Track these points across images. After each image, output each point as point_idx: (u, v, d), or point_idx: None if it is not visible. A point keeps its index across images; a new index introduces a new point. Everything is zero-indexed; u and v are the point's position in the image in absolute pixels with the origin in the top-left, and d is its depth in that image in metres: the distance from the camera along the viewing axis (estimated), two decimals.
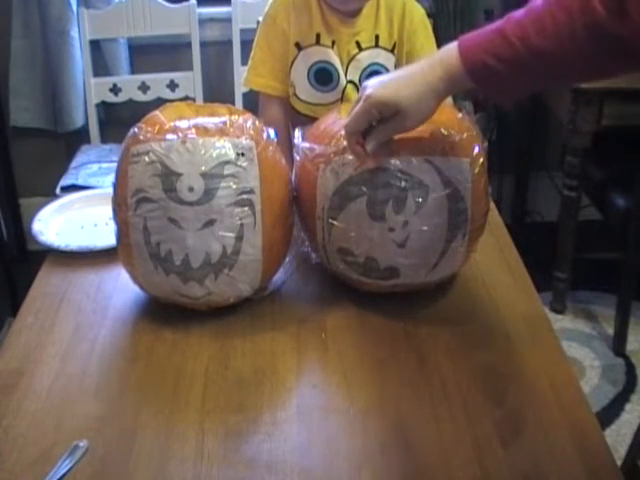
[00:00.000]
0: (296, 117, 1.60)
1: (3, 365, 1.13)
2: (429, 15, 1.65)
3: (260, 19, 1.77)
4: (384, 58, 1.56)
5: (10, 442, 0.98)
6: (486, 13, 2.75)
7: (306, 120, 1.53)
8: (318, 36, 1.55)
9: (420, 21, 1.57)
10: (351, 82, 1.56)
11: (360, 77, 1.56)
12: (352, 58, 1.55)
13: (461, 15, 2.66)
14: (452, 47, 1.04)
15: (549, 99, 2.50)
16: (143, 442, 0.98)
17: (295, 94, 1.60)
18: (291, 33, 1.55)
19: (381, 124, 1.09)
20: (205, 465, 0.94)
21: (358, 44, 1.54)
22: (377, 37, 1.55)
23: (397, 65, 1.57)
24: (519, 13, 1.00)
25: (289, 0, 1.55)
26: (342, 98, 1.57)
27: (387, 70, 1.56)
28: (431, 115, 1.09)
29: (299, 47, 1.56)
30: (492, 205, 1.33)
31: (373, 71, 1.56)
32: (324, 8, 1.54)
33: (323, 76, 1.57)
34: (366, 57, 1.55)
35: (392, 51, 1.56)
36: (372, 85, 1.08)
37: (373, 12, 1.54)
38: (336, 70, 1.55)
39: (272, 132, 1.21)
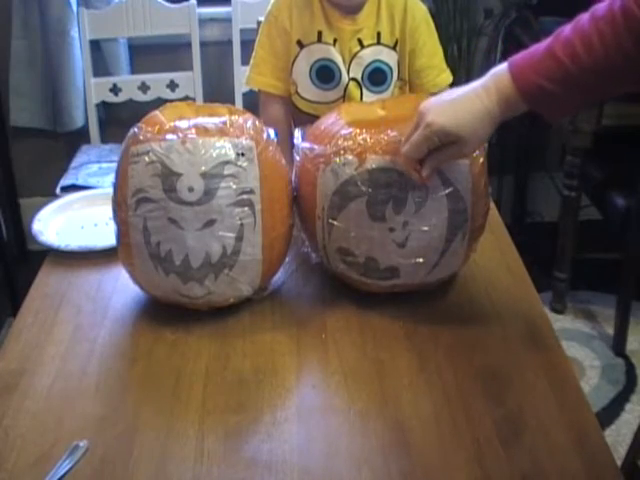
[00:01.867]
0: (298, 116, 1.60)
1: (3, 365, 1.13)
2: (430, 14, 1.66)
3: (260, 19, 1.77)
4: (386, 55, 1.56)
5: (10, 442, 0.98)
6: (486, 12, 2.75)
7: (308, 119, 1.52)
8: (320, 34, 1.54)
9: (422, 18, 1.57)
10: (353, 79, 1.56)
11: (362, 74, 1.56)
12: (354, 55, 1.55)
13: (461, 14, 2.66)
14: (503, 71, 1.04)
15: None
16: (143, 442, 0.98)
17: (297, 92, 1.59)
18: (293, 31, 1.55)
19: (438, 150, 1.09)
20: (205, 465, 0.95)
21: (360, 41, 1.54)
22: (379, 34, 1.55)
23: (400, 62, 1.57)
24: (567, 30, 1.01)
25: None
26: (344, 96, 1.57)
27: (390, 68, 1.56)
28: (487, 140, 1.11)
29: (301, 45, 1.56)
30: (492, 205, 1.33)
31: (375, 68, 1.56)
32: (325, 5, 1.54)
33: (325, 74, 1.57)
34: (368, 54, 1.55)
35: (394, 48, 1.56)
36: (429, 110, 1.07)
37: (374, 9, 1.54)
38: (338, 68, 1.55)
39: (272, 132, 1.21)
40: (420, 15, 1.57)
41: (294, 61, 1.57)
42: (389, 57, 1.56)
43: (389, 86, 1.58)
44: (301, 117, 1.59)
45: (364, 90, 1.57)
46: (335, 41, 1.54)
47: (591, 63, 0.98)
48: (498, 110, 1.05)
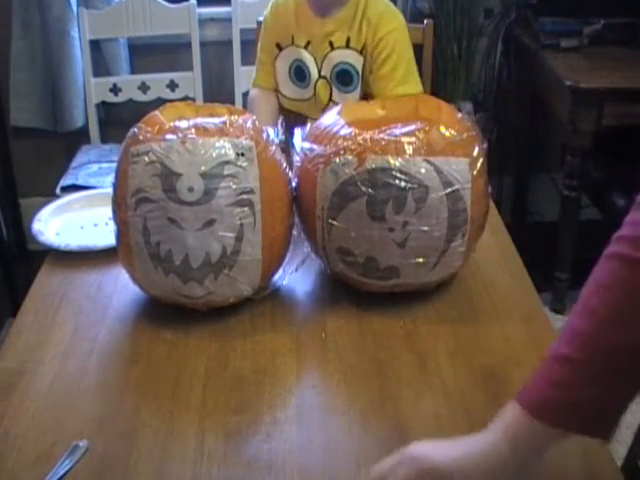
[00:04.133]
0: (281, 113, 1.78)
1: (3, 365, 1.13)
2: (429, 15, 1.69)
3: (260, 19, 1.83)
4: (353, 59, 1.68)
5: (10, 442, 0.98)
6: (486, 12, 2.75)
7: (290, 115, 1.75)
8: (292, 37, 1.70)
9: (392, 31, 1.65)
10: (324, 78, 1.70)
11: (331, 74, 1.70)
12: (325, 56, 1.68)
13: (461, 14, 2.66)
14: (513, 417, 0.80)
15: (549, 99, 2.50)
16: (143, 442, 0.98)
17: (279, 90, 1.76)
18: (274, 34, 1.72)
19: None
20: (205, 465, 0.95)
21: (331, 44, 1.67)
22: (348, 39, 1.67)
23: (365, 67, 1.68)
24: (575, 322, 0.80)
25: (274, 5, 1.74)
26: (315, 94, 1.72)
27: (355, 70, 1.68)
28: None
29: (279, 47, 1.72)
30: (492, 205, 1.33)
31: (342, 69, 1.69)
32: (299, 12, 1.69)
33: (300, 73, 1.72)
34: (337, 56, 1.68)
35: (361, 52, 1.67)
36: (415, 445, 0.84)
37: (350, 15, 1.66)
38: (308, 68, 1.70)
39: (272, 132, 1.21)
40: (390, 28, 1.65)
41: (275, 61, 1.74)
42: (356, 60, 1.68)
43: (356, 87, 1.70)
44: (285, 114, 1.77)
45: (334, 89, 1.71)
46: (308, 43, 1.69)
47: (620, 341, 0.77)
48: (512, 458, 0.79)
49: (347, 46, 1.67)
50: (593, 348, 0.77)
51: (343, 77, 1.69)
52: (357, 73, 1.68)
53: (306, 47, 1.70)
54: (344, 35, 1.67)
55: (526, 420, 0.78)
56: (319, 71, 1.70)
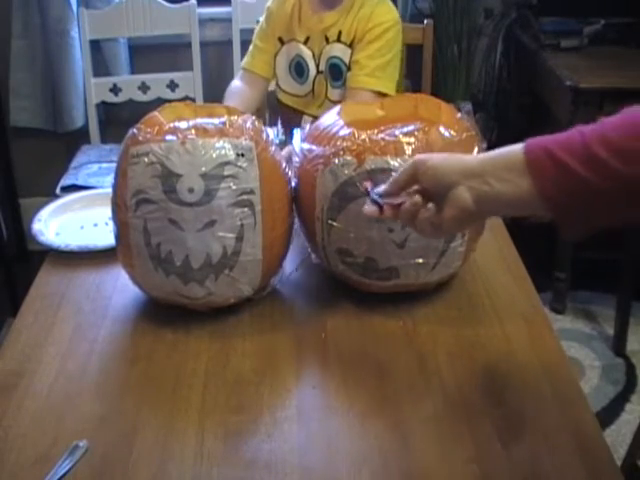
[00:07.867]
0: (280, 109, 1.79)
1: (3, 365, 1.13)
2: (429, 15, 1.69)
3: (260, 19, 1.83)
4: (342, 52, 1.69)
5: (10, 442, 0.98)
6: (486, 12, 2.75)
7: (288, 111, 1.75)
8: (293, 32, 1.71)
9: (381, 24, 1.66)
10: (321, 73, 1.71)
11: (326, 69, 1.72)
12: (322, 51, 1.70)
13: (461, 14, 2.66)
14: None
15: (549, 99, 2.50)
16: (143, 442, 0.98)
17: (278, 85, 1.78)
18: (277, 28, 1.73)
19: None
20: (205, 465, 0.95)
21: (327, 38, 1.69)
22: (340, 33, 1.68)
23: (350, 60, 1.69)
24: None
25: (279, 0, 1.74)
26: (313, 89, 1.73)
27: (344, 63, 1.69)
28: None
29: (282, 42, 1.74)
30: None
31: (332, 64, 1.70)
32: (300, 8, 1.70)
33: (299, 69, 1.73)
34: (329, 50, 1.70)
35: (350, 46, 1.68)
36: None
37: (345, 11, 1.67)
38: (306, 64, 1.71)
39: (271, 132, 1.21)
40: (382, 20, 1.66)
41: (276, 56, 1.75)
42: (344, 53, 1.68)
43: (344, 82, 1.71)
44: (282, 110, 1.79)
45: (328, 84, 1.72)
46: (307, 39, 1.70)
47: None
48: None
49: (338, 40, 1.68)
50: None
51: (334, 71, 1.71)
52: (346, 67, 1.69)
53: (305, 43, 1.71)
54: (337, 29, 1.68)
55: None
56: (317, 66, 1.72)
